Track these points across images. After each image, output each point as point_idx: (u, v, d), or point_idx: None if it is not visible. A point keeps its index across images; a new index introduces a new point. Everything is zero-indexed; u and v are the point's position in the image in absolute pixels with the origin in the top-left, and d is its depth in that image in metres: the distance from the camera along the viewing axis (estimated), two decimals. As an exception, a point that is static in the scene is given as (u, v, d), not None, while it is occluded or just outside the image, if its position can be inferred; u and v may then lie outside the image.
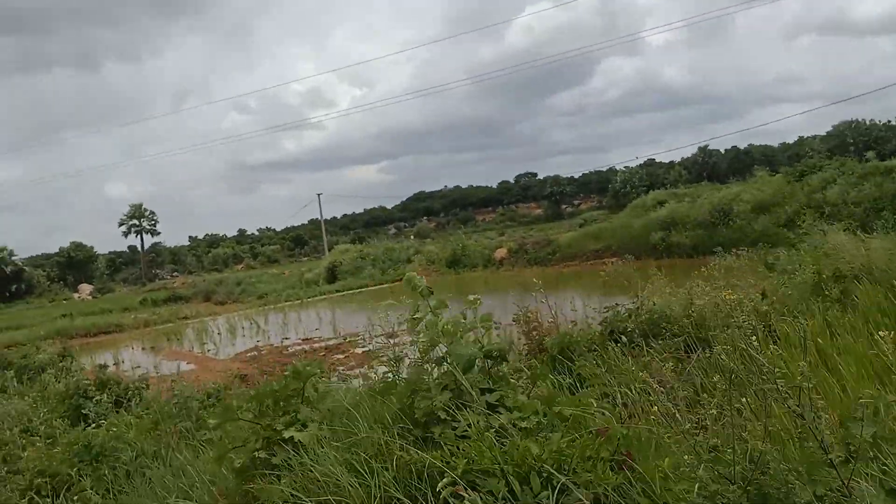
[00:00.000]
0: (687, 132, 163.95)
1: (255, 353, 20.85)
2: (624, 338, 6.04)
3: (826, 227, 13.54)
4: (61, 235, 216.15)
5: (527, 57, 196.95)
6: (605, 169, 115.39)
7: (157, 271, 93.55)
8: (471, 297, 3.84)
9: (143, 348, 25.77)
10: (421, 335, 3.67)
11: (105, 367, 14.68)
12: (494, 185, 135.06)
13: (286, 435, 3.59)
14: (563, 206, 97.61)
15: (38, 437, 7.48)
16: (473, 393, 3.40)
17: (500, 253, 36.86)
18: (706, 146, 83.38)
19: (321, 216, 64.91)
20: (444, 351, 3.57)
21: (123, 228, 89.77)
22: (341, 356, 18.11)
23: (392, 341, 17.35)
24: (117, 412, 10.04)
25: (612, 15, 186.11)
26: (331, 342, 20.75)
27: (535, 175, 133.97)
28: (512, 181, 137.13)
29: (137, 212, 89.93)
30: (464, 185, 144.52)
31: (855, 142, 70.06)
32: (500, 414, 3.43)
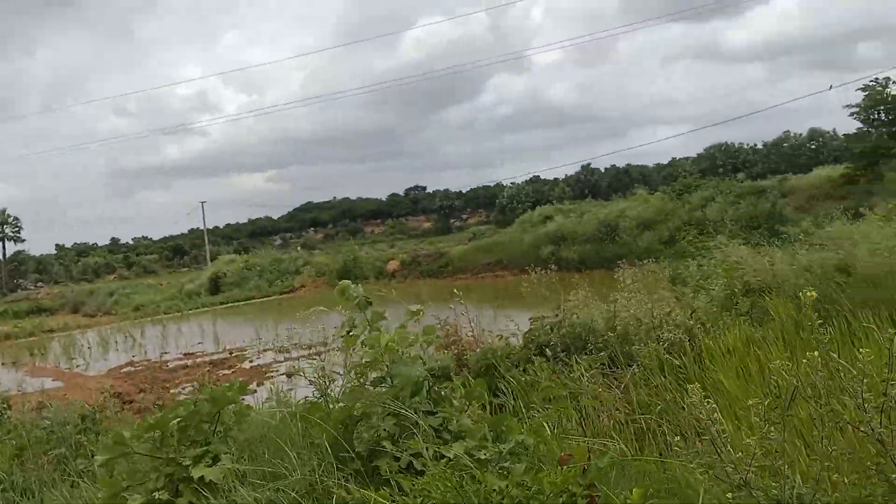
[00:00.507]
0: (572, 149, 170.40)
1: (131, 368, 19.24)
2: (548, 351, 5.78)
3: (710, 242, 14.10)
4: None
5: (419, 69, 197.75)
6: (492, 185, 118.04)
7: (20, 281, 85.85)
8: (413, 308, 3.39)
9: (1, 363, 23.22)
10: (362, 352, 3.18)
11: None
12: (384, 198, 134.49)
13: (194, 473, 2.99)
14: (452, 220, 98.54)
15: None
16: (419, 419, 2.96)
17: (393, 265, 36.41)
18: (588, 164, 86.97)
19: (204, 225, 62.13)
20: (384, 370, 3.10)
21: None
22: (227, 371, 16.98)
23: (297, 355, 16.41)
24: (-31, 439, 8.73)
25: (503, 32, 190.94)
26: (215, 357, 19.50)
27: (425, 189, 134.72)
28: (402, 194, 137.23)
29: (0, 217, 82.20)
30: (353, 197, 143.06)
31: (724, 164, 75.23)
32: (449, 441, 3.01)
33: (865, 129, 32.95)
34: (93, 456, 4.27)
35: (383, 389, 3.10)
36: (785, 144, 78.83)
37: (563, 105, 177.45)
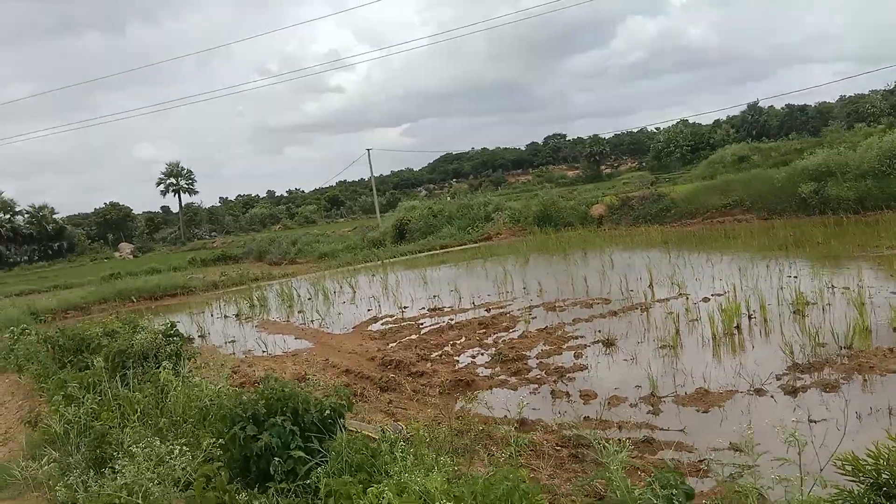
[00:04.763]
0: (711, 94, 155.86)
1: (379, 325, 15.89)
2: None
3: None
4: (97, 196, 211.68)
5: (543, 18, 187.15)
6: (635, 130, 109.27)
7: (196, 231, 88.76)
8: None
9: (225, 316, 20.86)
10: None
11: (271, 376, 9.68)
12: (523, 147, 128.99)
13: None
14: (602, 167, 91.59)
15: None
16: None
17: (598, 209, 31.56)
18: (756, 103, 76.95)
19: (371, 173, 59.36)
20: None
21: (161, 188, 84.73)
22: (506, 333, 13.06)
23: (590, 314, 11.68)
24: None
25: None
26: (468, 313, 15.76)
27: (564, 136, 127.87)
28: (540, 143, 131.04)
29: (175, 170, 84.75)
30: (490, 148, 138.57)
31: (925, 97, 63.62)
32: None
33: None
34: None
35: None
36: None
37: (699, 47, 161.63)
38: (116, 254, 72.32)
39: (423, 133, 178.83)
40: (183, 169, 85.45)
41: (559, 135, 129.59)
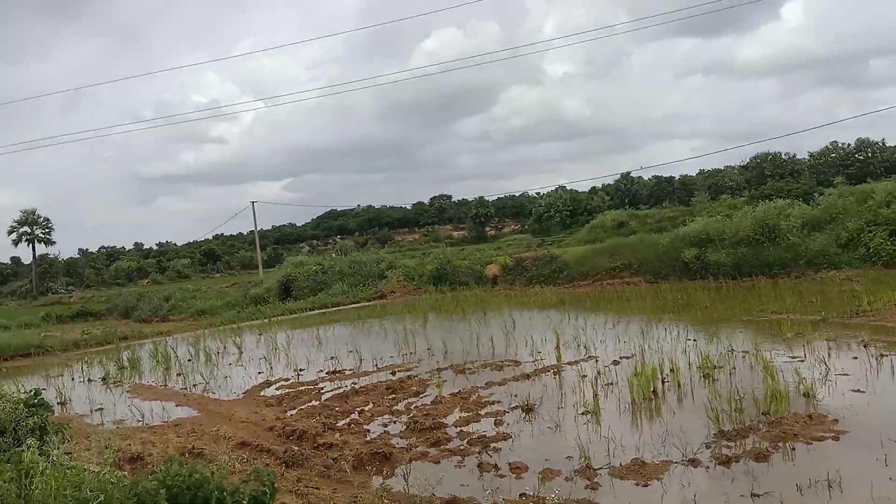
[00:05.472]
0: (586, 162, 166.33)
1: (272, 390, 14.61)
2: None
3: None
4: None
5: (432, 81, 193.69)
6: (517, 194, 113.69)
7: (51, 284, 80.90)
8: None
9: (89, 380, 18.54)
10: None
11: (173, 458, 8.47)
12: (409, 206, 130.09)
13: None
14: (487, 229, 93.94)
15: None
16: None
17: (493, 269, 31.75)
18: (629, 173, 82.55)
19: (255, 226, 57.39)
20: None
21: (13, 237, 77.01)
22: (415, 399, 12.32)
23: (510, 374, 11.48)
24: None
25: (515, 44, 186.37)
26: (371, 376, 14.88)
27: (450, 197, 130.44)
28: (426, 202, 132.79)
29: (30, 218, 77.48)
30: (376, 205, 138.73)
31: (772, 173, 70.91)
32: None
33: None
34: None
35: None
36: (833, 155, 74.48)
37: (576, 118, 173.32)
38: (-46, 308, 64.16)
39: (306, 188, 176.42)
40: (39, 217, 78.41)
41: (445, 195, 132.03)
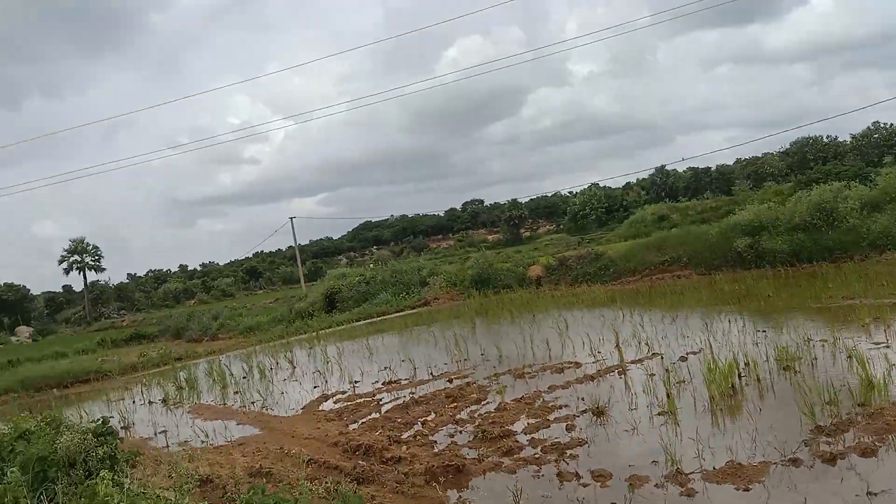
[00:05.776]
0: (618, 158, 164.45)
1: (331, 404, 14.42)
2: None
3: None
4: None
5: (458, 89, 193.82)
6: (550, 194, 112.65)
7: (103, 310, 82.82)
8: None
9: (149, 402, 18.64)
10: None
11: (256, 487, 8.21)
12: (441, 213, 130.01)
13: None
14: (522, 231, 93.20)
15: None
16: None
17: (536, 270, 31.26)
18: (663, 167, 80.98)
19: (295, 242, 58.03)
20: None
21: (64, 266, 79.04)
22: (492, 409, 11.89)
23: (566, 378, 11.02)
24: None
25: (539, 47, 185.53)
26: (428, 385, 14.57)
27: (482, 202, 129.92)
28: (459, 208, 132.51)
29: (80, 247, 79.50)
30: (409, 214, 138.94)
31: (815, 158, 68.80)
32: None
33: None
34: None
35: None
36: (876, 135, 71.96)
37: (605, 116, 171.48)
38: (13, 338, 66.24)
39: (340, 202, 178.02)
40: (88, 245, 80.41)
41: (477, 200, 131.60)
